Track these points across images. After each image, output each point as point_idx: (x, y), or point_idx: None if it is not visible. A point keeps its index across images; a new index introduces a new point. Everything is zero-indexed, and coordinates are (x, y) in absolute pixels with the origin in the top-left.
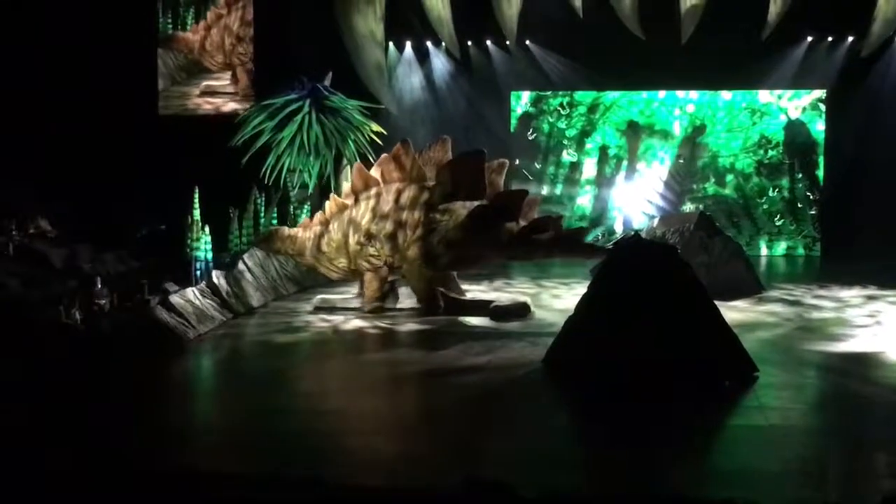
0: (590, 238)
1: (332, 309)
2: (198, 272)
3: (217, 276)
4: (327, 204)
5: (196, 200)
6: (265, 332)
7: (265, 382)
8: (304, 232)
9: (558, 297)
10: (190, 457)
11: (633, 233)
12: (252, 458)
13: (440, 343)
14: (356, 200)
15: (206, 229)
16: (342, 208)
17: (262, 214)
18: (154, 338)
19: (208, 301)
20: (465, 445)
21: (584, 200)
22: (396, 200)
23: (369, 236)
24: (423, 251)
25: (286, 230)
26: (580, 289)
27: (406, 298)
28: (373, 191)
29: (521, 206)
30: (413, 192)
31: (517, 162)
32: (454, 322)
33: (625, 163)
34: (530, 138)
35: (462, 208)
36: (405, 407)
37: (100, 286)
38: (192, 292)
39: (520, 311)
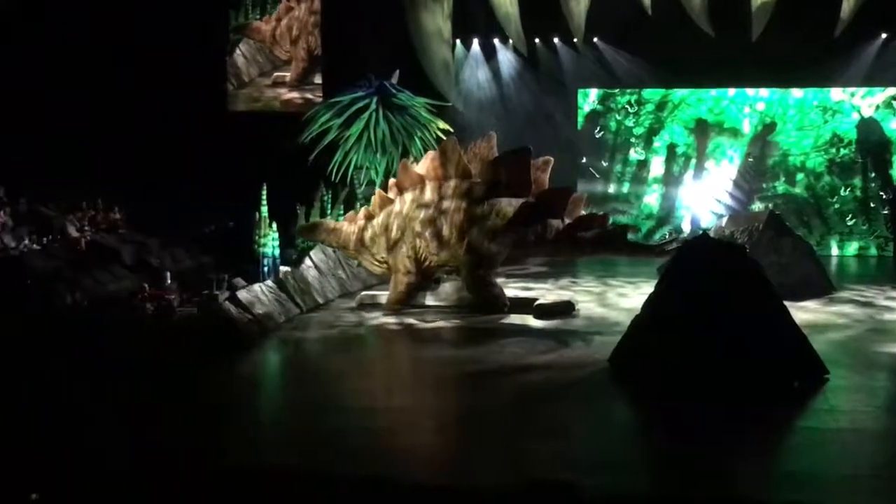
0: (657, 237)
1: (372, 306)
2: (265, 268)
3: (284, 273)
4: (373, 198)
5: (264, 197)
6: (329, 329)
7: (328, 379)
8: (348, 225)
9: (624, 296)
10: (255, 453)
11: (701, 232)
12: (314, 455)
13: (502, 341)
14: (401, 196)
15: (274, 226)
16: (387, 203)
17: (329, 211)
18: (221, 333)
19: (275, 297)
20: (529, 445)
21: (652, 199)
22: (441, 196)
23: (411, 232)
24: (475, 251)
25: (331, 223)
26: (647, 288)
27: (453, 295)
28: (417, 187)
29: (567, 203)
30: (458, 189)
31: (583, 160)
32: (501, 320)
33: (693, 161)
34: (597, 136)
35: (507, 205)
36: (469, 405)
37: (169, 281)
38: (259, 288)
39: (564, 309)
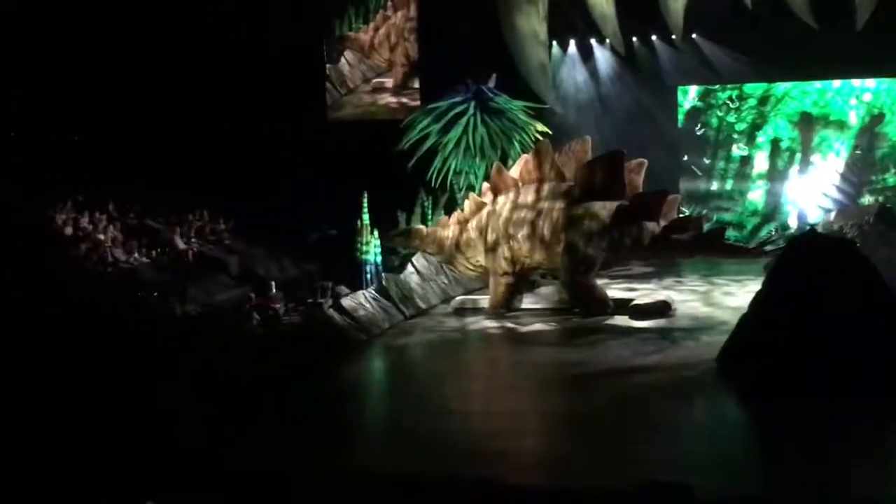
0: (763, 234)
1: (472, 310)
2: (368, 275)
3: (387, 280)
4: (466, 203)
5: (365, 205)
6: (432, 334)
7: (434, 383)
8: (442, 230)
9: (730, 295)
10: (368, 456)
11: (808, 228)
12: (425, 458)
13: (606, 343)
14: (494, 199)
15: (376, 233)
16: (480, 207)
17: (430, 217)
18: (327, 341)
19: (378, 304)
20: (638, 446)
21: (756, 195)
22: (535, 200)
23: (506, 235)
24: (572, 252)
25: (424, 229)
26: (753, 286)
27: (551, 297)
28: (511, 190)
29: (662, 206)
30: (551, 193)
31: (685, 158)
32: (601, 322)
33: (798, 155)
34: (698, 133)
35: (602, 209)
36: (576, 407)
37: (274, 291)
38: (362, 295)
39: (660, 309)
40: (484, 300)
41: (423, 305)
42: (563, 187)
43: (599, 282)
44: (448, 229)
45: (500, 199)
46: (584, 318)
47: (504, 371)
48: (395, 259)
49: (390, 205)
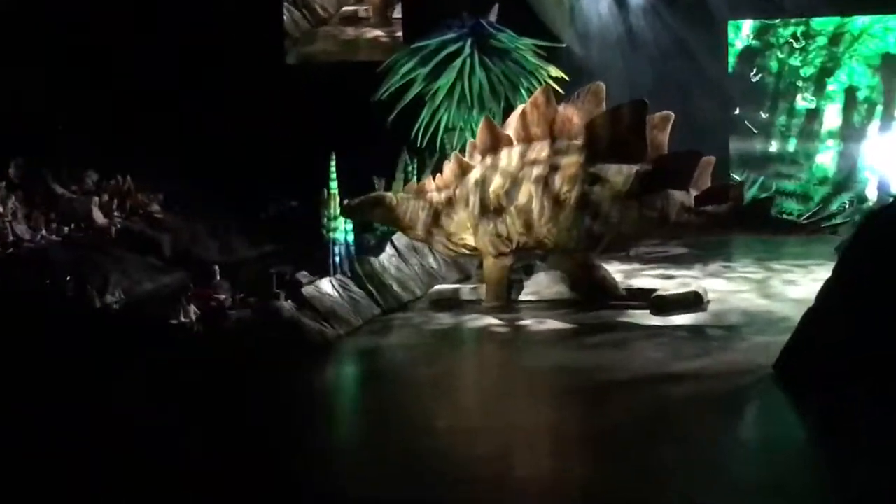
0: (834, 207)
1: (450, 302)
2: (336, 258)
3: (360, 264)
4: (447, 165)
5: (332, 169)
6: (415, 333)
7: (419, 394)
8: (415, 199)
9: (793, 284)
10: (332, 483)
11: (891, 199)
12: (403, 486)
13: (635, 344)
14: (483, 161)
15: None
16: (465, 170)
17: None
18: (284, 340)
19: (349, 295)
20: (679, 471)
21: (826, 158)
22: (533, 163)
23: (497, 208)
24: (572, 229)
25: (391, 196)
26: (822, 272)
27: (553, 285)
28: (504, 151)
29: (694, 170)
30: (555, 154)
31: (736, 111)
32: (625, 318)
33: (879, 108)
34: (753, 80)
35: (617, 174)
36: (600, 424)
37: (218, 278)
38: (329, 284)
39: (689, 302)
40: (469, 290)
41: (405, 296)
42: (569, 146)
43: (621, 266)
44: (423, 198)
45: (490, 161)
46: (595, 311)
47: (505, 379)
48: (370, 238)
49: (365, 169)
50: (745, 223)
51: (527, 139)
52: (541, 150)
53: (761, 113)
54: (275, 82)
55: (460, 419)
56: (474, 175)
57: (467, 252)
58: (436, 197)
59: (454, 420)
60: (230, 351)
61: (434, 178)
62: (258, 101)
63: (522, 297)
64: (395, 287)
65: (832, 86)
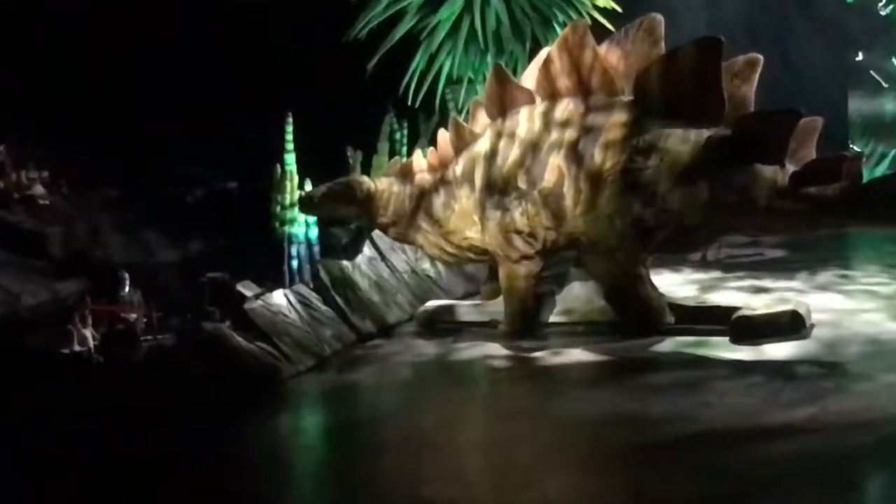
0: None
1: (453, 325)
2: (294, 262)
3: (327, 270)
4: (441, 137)
5: (289, 136)
6: (404, 369)
7: (405, 463)
8: (401, 184)
9: None
10: None
11: None
12: None
13: (710, 386)
14: (493, 129)
15: (309, 187)
16: (469, 141)
17: (405, 156)
18: (219, 379)
19: (312, 313)
20: None
21: None
22: (563, 128)
23: (517, 190)
24: (616, 219)
25: (368, 182)
26: None
27: (594, 301)
28: (522, 112)
29: (790, 136)
30: (593, 115)
31: (858, 56)
32: (693, 349)
33: None
34: (882, 13)
35: (681, 142)
36: (669, 496)
37: (128, 289)
38: (284, 298)
39: (783, 325)
40: (478, 308)
41: (389, 316)
42: (612, 104)
43: (694, 275)
44: (412, 182)
45: (503, 128)
46: (650, 337)
47: (530, 438)
48: (341, 234)
49: (336, 137)
50: (866, 211)
51: (554, 95)
52: (573, 110)
53: (893, 60)
54: (202, 13)
55: (465, 489)
56: (482, 147)
57: (474, 256)
58: (429, 179)
59: (458, 490)
60: (141, 393)
61: (428, 152)
62: (179, 38)
63: (553, 319)
64: (376, 303)
65: None
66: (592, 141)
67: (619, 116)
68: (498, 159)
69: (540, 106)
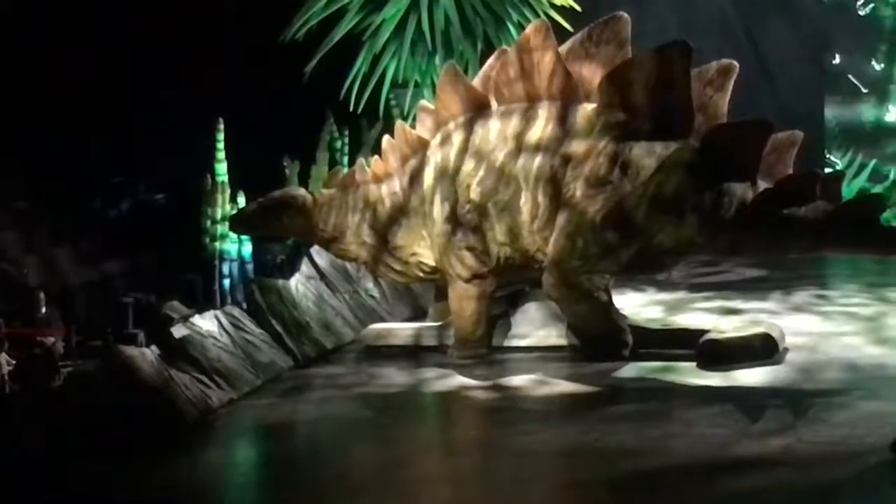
0: None
1: (399, 350)
2: (226, 281)
3: (261, 291)
4: (387, 143)
5: (220, 143)
6: (346, 398)
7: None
8: (342, 196)
9: None
10: None
11: None
12: None
13: (680, 415)
14: (443, 135)
15: (241, 199)
16: (415, 151)
17: (346, 167)
18: (143, 410)
19: (245, 337)
20: None
21: None
22: (521, 137)
23: (468, 206)
24: (582, 240)
25: (305, 195)
26: None
27: (551, 323)
28: (475, 119)
29: (763, 148)
30: (554, 123)
31: (834, 59)
32: (663, 376)
33: None
34: (861, 13)
35: (646, 155)
36: None
37: (44, 309)
38: (214, 321)
39: (754, 349)
40: (427, 331)
41: (329, 340)
42: (574, 112)
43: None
44: (355, 194)
45: (454, 135)
46: (614, 362)
47: (484, 473)
48: (277, 250)
49: (271, 145)
50: (844, 232)
51: (511, 100)
52: (532, 117)
53: (872, 62)
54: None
55: None
56: (432, 157)
57: (423, 274)
58: (373, 190)
59: None
60: (60, 426)
61: (372, 161)
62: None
63: (508, 343)
64: (315, 326)
65: None
66: (552, 151)
67: (582, 125)
68: (449, 169)
69: (496, 111)
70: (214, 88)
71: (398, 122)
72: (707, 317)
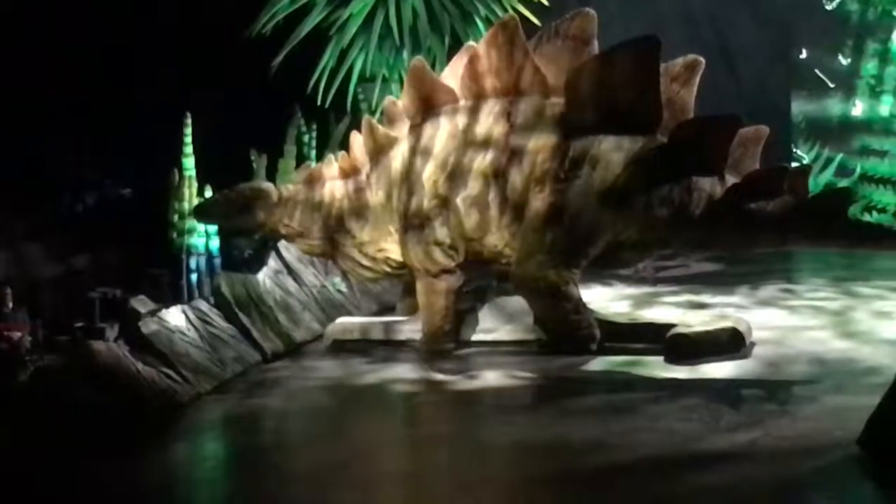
0: None
1: (366, 344)
2: (193, 276)
3: (229, 285)
4: (355, 139)
5: (188, 139)
6: (314, 392)
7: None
8: (307, 191)
9: (888, 318)
10: None
11: None
12: None
13: (646, 410)
14: (412, 130)
15: (209, 194)
16: (385, 146)
17: (314, 161)
18: (113, 403)
19: (213, 331)
20: None
21: None
22: (489, 132)
23: (438, 198)
24: (543, 230)
25: (271, 189)
26: None
27: (518, 318)
28: (444, 114)
29: (729, 143)
30: (523, 119)
31: (801, 54)
32: (631, 369)
33: None
34: (828, 6)
35: (613, 150)
36: None
37: (11, 305)
38: (182, 315)
39: (721, 343)
40: (394, 326)
41: (297, 335)
42: (542, 108)
43: (627, 289)
44: (321, 190)
45: (422, 129)
46: (582, 356)
47: (452, 466)
48: (245, 245)
49: (239, 139)
50: (811, 226)
51: (480, 96)
52: (501, 112)
53: (839, 57)
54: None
55: None
56: (399, 152)
57: (391, 270)
58: (340, 187)
59: None
60: (27, 420)
61: (339, 157)
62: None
63: (475, 337)
64: (283, 320)
65: None
66: (521, 146)
67: (550, 121)
68: (417, 165)
69: (464, 107)
70: (182, 83)
71: (365, 118)
72: (674, 311)
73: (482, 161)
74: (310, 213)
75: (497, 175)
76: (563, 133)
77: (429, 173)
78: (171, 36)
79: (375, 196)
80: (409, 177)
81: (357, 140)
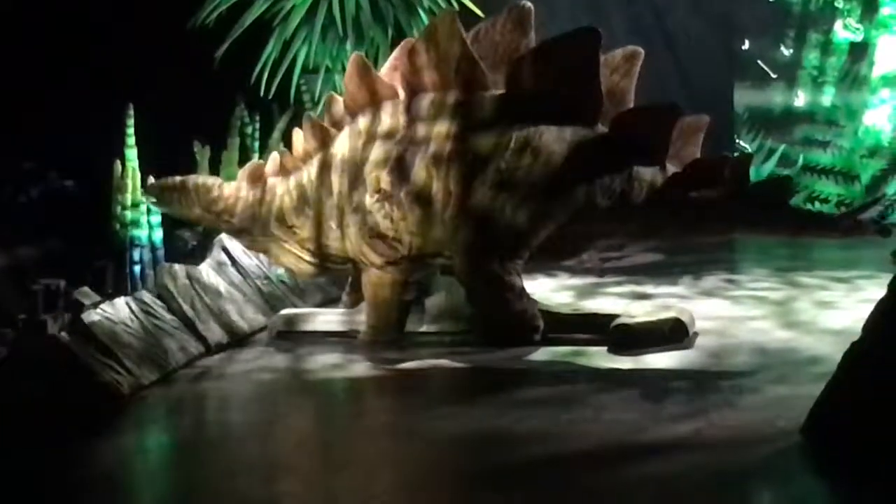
0: (891, 191)
1: (309, 336)
2: (136, 267)
3: (172, 277)
4: (296, 135)
5: (130, 129)
6: (257, 384)
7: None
8: (248, 188)
9: (830, 307)
10: None
11: None
12: None
13: (590, 401)
14: (351, 126)
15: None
16: (323, 141)
17: (257, 152)
18: (55, 395)
19: (156, 323)
20: None
21: (879, 117)
22: (430, 125)
23: (379, 195)
24: (481, 222)
25: (209, 181)
26: (873, 290)
27: (462, 310)
28: (385, 107)
29: (670, 132)
30: (462, 111)
31: (745, 44)
32: (575, 359)
33: None
34: None
35: (555, 141)
36: None
37: None
38: (126, 307)
39: (663, 333)
40: (337, 317)
41: (242, 326)
42: (482, 100)
43: (570, 280)
44: (258, 185)
45: (362, 124)
46: (525, 348)
47: (394, 459)
48: (189, 237)
49: (182, 130)
50: (751, 216)
51: (419, 89)
52: (441, 105)
53: (781, 47)
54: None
55: None
56: (340, 146)
57: (333, 266)
58: (282, 184)
59: None
60: None
61: (281, 154)
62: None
63: (419, 328)
64: (227, 311)
65: (888, 8)
66: (462, 139)
67: (490, 113)
68: (358, 159)
69: (404, 100)
70: (125, 73)
71: (306, 114)
72: (618, 301)
73: (424, 155)
74: (251, 211)
75: (439, 168)
76: (503, 125)
77: (371, 167)
78: (114, 26)
79: (317, 192)
80: (349, 172)
81: (298, 136)
